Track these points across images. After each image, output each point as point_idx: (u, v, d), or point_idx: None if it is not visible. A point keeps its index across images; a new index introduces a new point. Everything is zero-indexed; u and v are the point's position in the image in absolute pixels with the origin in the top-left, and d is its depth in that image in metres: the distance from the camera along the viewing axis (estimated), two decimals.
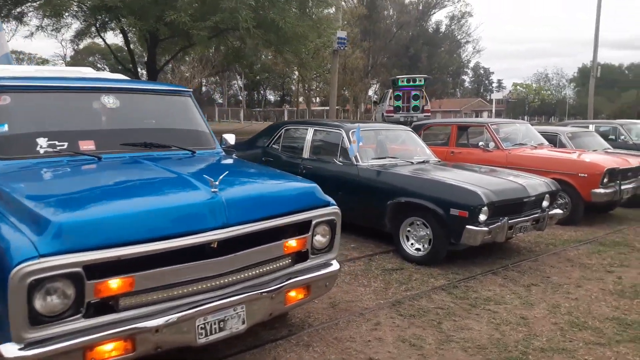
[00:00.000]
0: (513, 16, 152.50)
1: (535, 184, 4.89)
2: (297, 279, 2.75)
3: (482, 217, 4.26)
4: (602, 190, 6.13)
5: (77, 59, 45.04)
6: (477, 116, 48.68)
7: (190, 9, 8.16)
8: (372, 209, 5.07)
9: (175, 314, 2.24)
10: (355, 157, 5.28)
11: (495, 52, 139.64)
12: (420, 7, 44.80)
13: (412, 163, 5.49)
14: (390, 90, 18.89)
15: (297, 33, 8.95)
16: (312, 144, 5.90)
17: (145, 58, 12.95)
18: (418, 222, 4.71)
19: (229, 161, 3.50)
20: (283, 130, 6.33)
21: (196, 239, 2.27)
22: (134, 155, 3.14)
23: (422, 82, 18.37)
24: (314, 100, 49.26)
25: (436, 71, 43.95)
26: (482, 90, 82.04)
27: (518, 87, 61.02)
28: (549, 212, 4.95)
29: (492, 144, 7.00)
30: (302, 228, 2.79)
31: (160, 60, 14.09)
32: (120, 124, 3.43)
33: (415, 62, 42.55)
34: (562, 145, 8.11)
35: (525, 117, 57.43)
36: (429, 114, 18.42)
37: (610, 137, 11.16)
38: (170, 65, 27.47)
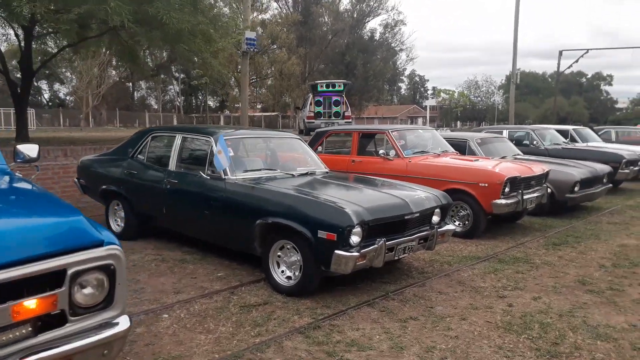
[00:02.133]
0: (448, 25, 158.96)
1: (422, 198, 4.31)
2: (39, 356, 1.91)
3: (354, 240, 3.60)
4: (503, 201, 5.71)
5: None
6: (412, 122, 49.70)
7: None
8: (241, 231, 4.30)
9: None
10: (224, 171, 4.52)
11: (431, 61, 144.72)
12: (355, 15, 44.98)
13: (293, 176, 4.79)
14: (311, 96, 18.30)
15: (184, 29, 8.04)
16: (179, 154, 5.06)
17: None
18: (288, 246, 3.99)
19: None
20: (150, 137, 5.43)
21: None
22: None
23: (342, 88, 17.91)
24: (258, 107, 48.11)
25: (372, 78, 44.19)
26: (417, 97, 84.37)
27: (442, 93, 63.06)
28: (440, 229, 4.39)
29: (392, 152, 6.46)
30: (53, 281, 1.97)
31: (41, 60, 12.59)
32: None
33: (352, 69, 42.54)
34: (472, 152, 7.74)
35: (458, 123, 59.39)
36: (350, 120, 17.98)
37: (524, 142, 11.13)
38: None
